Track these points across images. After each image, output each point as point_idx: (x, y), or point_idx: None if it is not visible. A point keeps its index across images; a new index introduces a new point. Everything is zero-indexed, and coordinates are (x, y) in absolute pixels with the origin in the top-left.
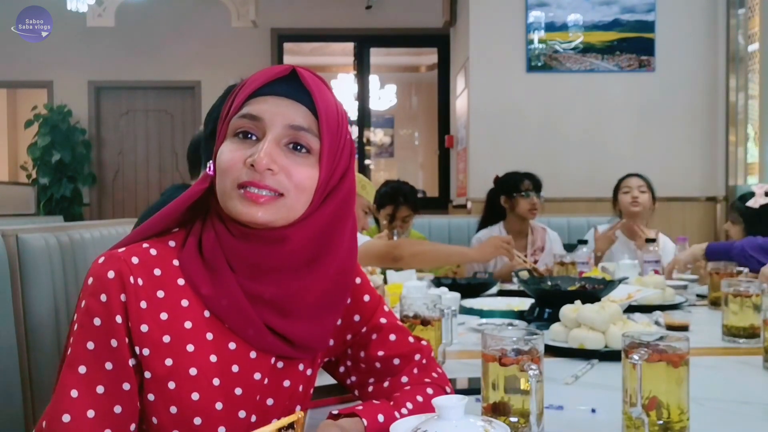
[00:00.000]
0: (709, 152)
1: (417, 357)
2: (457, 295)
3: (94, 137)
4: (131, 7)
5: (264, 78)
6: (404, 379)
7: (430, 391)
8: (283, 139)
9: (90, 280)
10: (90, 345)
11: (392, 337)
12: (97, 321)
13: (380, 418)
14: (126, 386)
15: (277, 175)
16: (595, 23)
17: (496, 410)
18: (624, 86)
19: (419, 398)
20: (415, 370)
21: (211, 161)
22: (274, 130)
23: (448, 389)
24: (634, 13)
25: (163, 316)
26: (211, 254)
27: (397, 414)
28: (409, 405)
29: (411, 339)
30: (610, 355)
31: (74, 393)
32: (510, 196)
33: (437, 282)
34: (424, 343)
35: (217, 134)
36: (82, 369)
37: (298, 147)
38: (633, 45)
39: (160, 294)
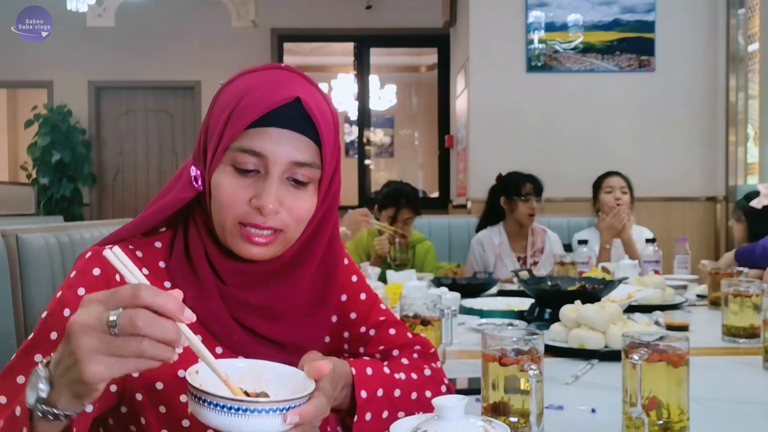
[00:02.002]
0: (709, 152)
1: (417, 347)
2: (457, 295)
3: (94, 137)
4: (131, 7)
5: (265, 105)
6: (404, 360)
7: (428, 372)
8: (285, 173)
9: (73, 274)
10: (53, 335)
11: (392, 331)
12: (66, 312)
13: (368, 371)
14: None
15: (280, 213)
16: (595, 23)
17: (496, 410)
18: (624, 86)
19: (414, 375)
20: (415, 355)
21: (196, 170)
22: (277, 168)
23: (446, 380)
24: (634, 13)
25: None
26: (199, 264)
27: (386, 370)
28: (402, 375)
29: (410, 335)
30: (610, 355)
31: (20, 379)
32: (510, 198)
33: (437, 282)
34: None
35: (206, 150)
36: (38, 357)
37: (300, 178)
38: (633, 45)
39: None
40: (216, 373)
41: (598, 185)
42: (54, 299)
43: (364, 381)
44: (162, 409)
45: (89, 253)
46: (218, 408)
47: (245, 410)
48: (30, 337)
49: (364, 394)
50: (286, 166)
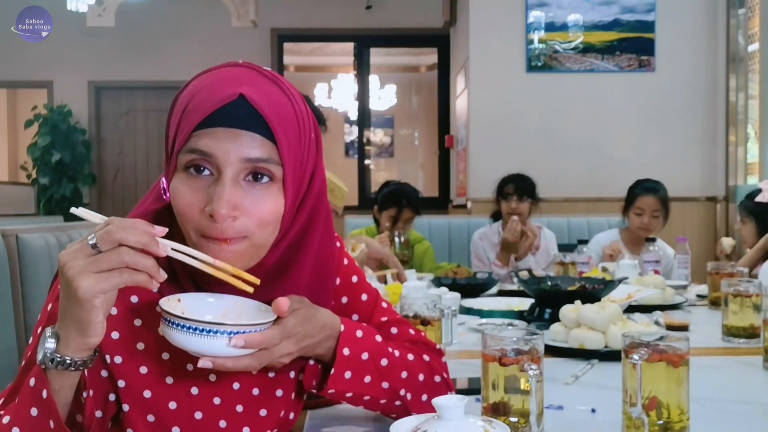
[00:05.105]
0: (709, 152)
1: (420, 344)
2: (457, 295)
3: (94, 137)
4: (131, 7)
5: (209, 105)
6: (406, 344)
7: (426, 358)
8: (241, 173)
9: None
10: None
11: (394, 330)
12: None
13: (359, 333)
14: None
15: (238, 219)
16: (595, 23)
17: (496, 410)
18: (624, 86)
19: (410, 356)
20: (416, 349)
21: (165, 181)
22: (229, 168)
23: (445, 374)
24: (634, 13)
25: (137, 322)
26: (183, 280)
27: (378, 338)
28: (397, 352)
29: (412, 331)
30: (610, 355)
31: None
32: (498, 199)
33: (437, 282)
34: (423, 335)
35: (166, 159)
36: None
37: (259, 176)
38: (633, 45)
39: (134, 299)
40: (198, 259)
41: (630, 199)
42: (44, 312)
43: (351, 340)
44: (150, 417)
45: None
46: (174, 326)
47: (195, 329)
48: (29, 355)
49: (346, 351)
50: (239, 165)
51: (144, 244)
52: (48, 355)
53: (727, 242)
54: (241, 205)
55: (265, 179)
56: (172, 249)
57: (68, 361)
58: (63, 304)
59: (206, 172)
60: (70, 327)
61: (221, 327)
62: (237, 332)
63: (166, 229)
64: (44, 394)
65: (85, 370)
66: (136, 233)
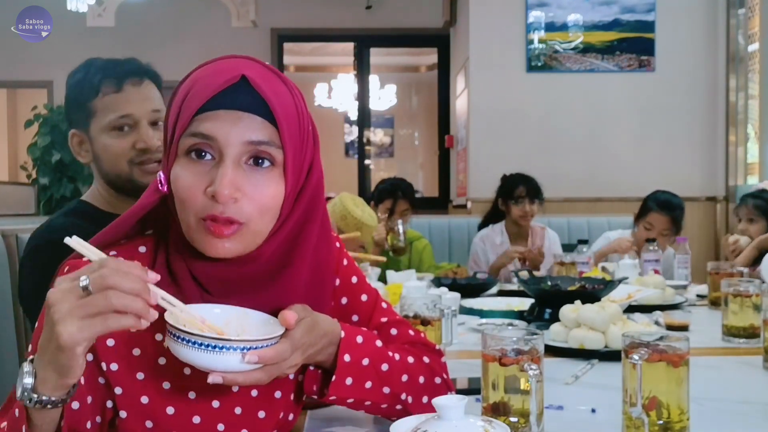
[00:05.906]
0: (709, 152)
1: (420, 345)
2: (457, 295)
3: None
4: (131, 7)
5: (212, 89)
6: (405, 346)
7: (426, 360)
8: (243, 156)
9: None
10: None
11: (393, 331)
12: None
13: (359, 339)
14: (75, 405)
15: (240, 201)
16: (595, 23)
17: (496, 410)
18: (624, 86)
19: (410, 359)
20: (416, 351)
21: (162, 174)
22: (231, 151)
23: (445, 375)
24: (634, 13)
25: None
26: (180, 274)
27: (378, 343)
28: (397, 356)
29: (411, 332)
30: (610, 355)
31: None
32: (505, 200)
33: (437, 282)
34: (422, 335)
35: (166, 148)
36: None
37: (260, 161)
38: (633, 45)
39: None
40: (192, 316)
41: (645, 210)
42: (41, 319)
43: (351, 346)
44: (149, 423)
45: (66, 268)
46: (185, 342)
47: (207, 345)
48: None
49: (347, 357)
50: (240, 147)
51: (137, 291)
52: (26, 394)
53: (744, 240)
54: (243, 188)
55: (266, 163)
56: (162, 298)
57: (45, 400)
58: (45, 343)
59: (208, 156)
60: (48, 368)
61: (233, 343)
62: (250, 348)
63: (159, 276)
64: (23, 430)
65: (79, 381)
66: (129, 280)
